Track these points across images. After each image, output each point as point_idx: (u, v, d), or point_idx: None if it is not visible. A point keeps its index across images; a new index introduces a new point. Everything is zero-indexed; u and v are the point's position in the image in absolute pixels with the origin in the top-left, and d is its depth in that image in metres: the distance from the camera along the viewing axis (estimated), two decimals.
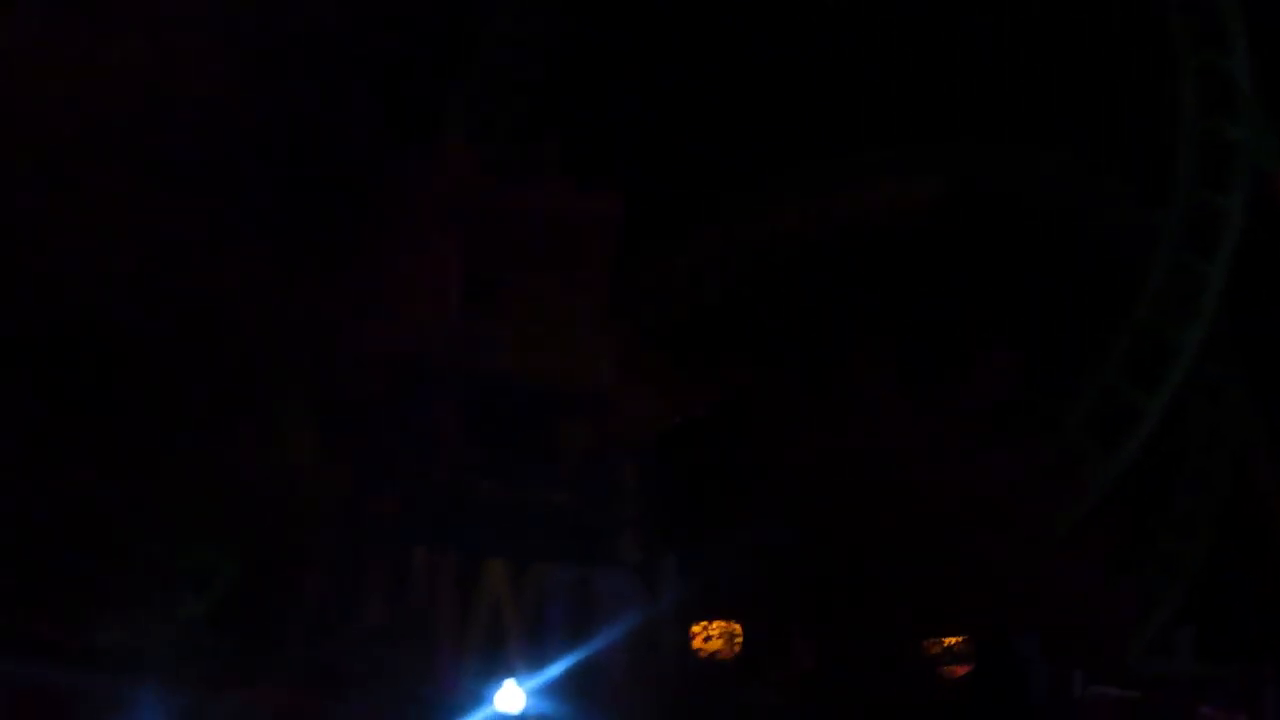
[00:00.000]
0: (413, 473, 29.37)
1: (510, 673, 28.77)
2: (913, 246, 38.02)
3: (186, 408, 26.73)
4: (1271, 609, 37.43)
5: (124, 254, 25.87)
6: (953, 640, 31.23)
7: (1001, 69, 38.11)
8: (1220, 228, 35.52)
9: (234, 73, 27.20)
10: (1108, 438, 34.25)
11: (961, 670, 31.16)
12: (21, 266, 25.36)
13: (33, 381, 25.85)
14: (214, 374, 26.95)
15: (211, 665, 27.78)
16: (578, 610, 29.74)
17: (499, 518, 29.31)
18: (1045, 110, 38.67)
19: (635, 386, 31.48)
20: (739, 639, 30.66)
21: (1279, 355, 37.75)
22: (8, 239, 25.17)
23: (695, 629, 30.52)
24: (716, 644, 30.71)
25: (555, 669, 29.05)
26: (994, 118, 39.06)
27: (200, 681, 27.42)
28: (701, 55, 38.13)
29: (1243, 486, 39.08)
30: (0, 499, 25.79)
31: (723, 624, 30.41)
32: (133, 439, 26.46)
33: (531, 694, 28.70)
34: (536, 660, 29.09)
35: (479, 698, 28.54)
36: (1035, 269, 38.31)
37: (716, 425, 32.52)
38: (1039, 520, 32.28)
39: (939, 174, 38.99)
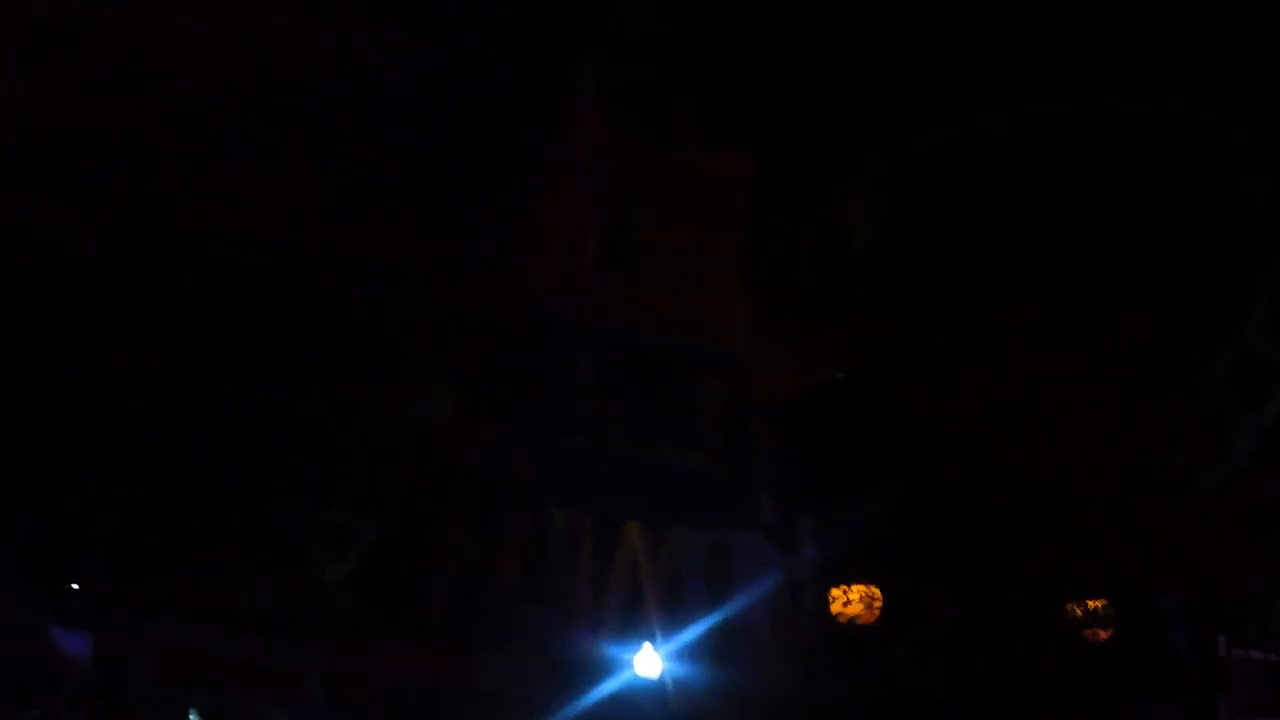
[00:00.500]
0: (550, 434, 29.44)
1: (648, 636, 28.96)
2: (1049, 200, 37.62)
3: (325, 368, 26.92)
4: None
5: (262, 214, 26.10)
6: (1095, 603, 31.00)
7: (1152, 20, 37.60)
8: None
9: (369, 33, 27.35)
10: (1248, 396, 33.77)
11: (1104, 634, 30.96)
12: (161, 226, 25.62)
13: (171, 342, 26.10)
14: (354, 334, 27.13)
15: (351, 627, 28.04)
16: (715, 573, 29.75)
17: (635, 480, 29.30)
18: (1190, 61, 38.15)
19: (771, 346, 31.38)
20: (878, 603, 30.55)
21: None
22: (150, 198, 25.46)
23: (834, 593, 30.42)
24: (856, 608, 30.56)
25: (693, 632, 29.26)
26: (1137, 69, 38.57)
27: (341, 644, 27.69)
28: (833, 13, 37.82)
29: None
30: (138, 462, 26.07)
31: (862, 588, 30.29)
32: (271, 400, 26.64)
33: (669, 657, 28.86)
34: (674, 623, 29.29)
35: (617, 661, 28.68)
36: (1175, 223, 37.86)
37: (853, 384, 32.39)
38: (1182, 480, 31.98)
39: (1079, 126, 38.60)
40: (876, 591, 30.14)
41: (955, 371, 32.14)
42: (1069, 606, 30.62)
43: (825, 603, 30.22)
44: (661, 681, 27.91)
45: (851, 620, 30.37)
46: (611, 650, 28.17)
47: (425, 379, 27.94)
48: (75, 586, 26.60)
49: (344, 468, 27.36)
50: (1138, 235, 38.96)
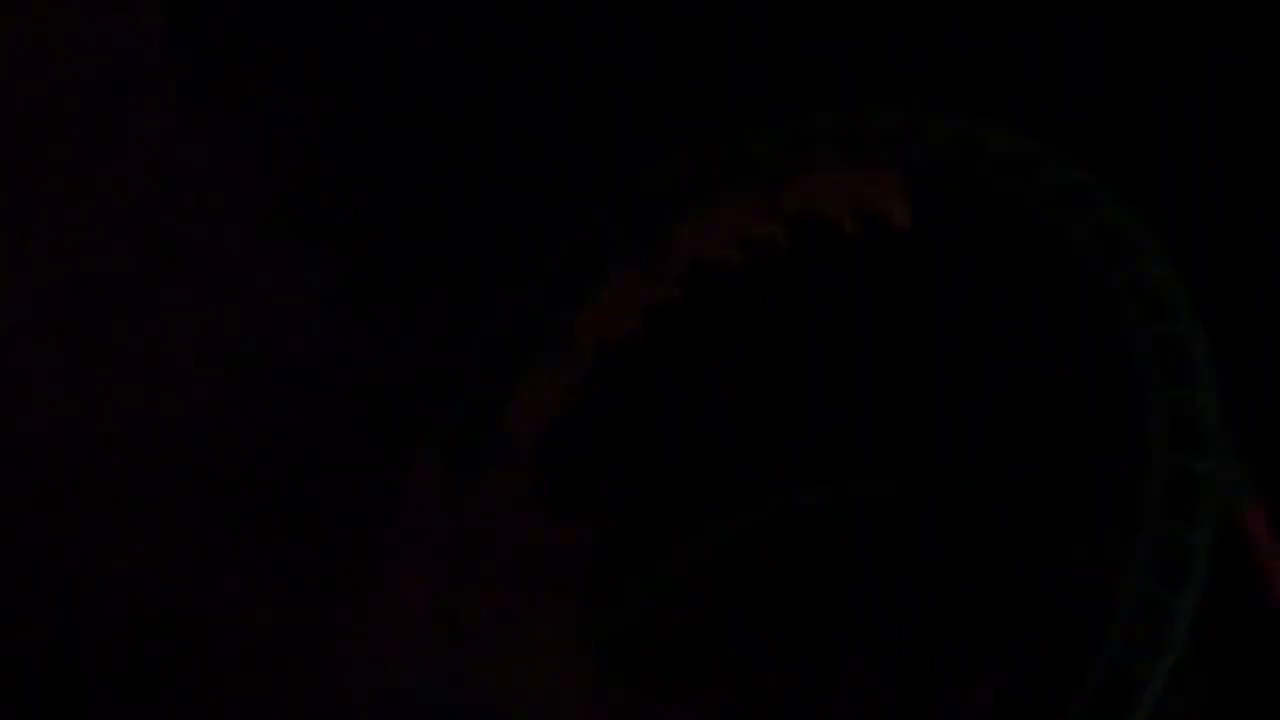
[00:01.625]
0: None
1: None
2: (889, 572, 38.22)
3: None
4: None
5: (97, 579, 26.12)
6: None
7: (991, 399, 38.62)
8: (1187, 561, 35.65)
9: (211, 398, 27.73)
10: None
11: None
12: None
13: None
14: (184, 699, 27.00)
15: None
16: None
17: None
18: (1018, 438, 39.08)
19: None
20: None
21: (1243, 688, 37.82)
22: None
23: None
24: None
25: None
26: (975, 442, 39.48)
27: None
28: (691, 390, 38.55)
29: None
30: None
31: None
32: None
33: None
34: None
35: None
36: (1016, 599, 38.46)
37: None
38: None
39: (916, 500, 39.40)
40: None
41: None
42: None
43: None
44: None
45: None
46: None
47: None
48: None
49: None
50: (979, 609, 39.56)
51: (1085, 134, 35.88)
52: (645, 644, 35.50)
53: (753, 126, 35.02)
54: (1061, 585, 37.46)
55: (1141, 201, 36.68)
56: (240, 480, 27.97)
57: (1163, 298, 37.34)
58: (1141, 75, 37.77)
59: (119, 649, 26.28)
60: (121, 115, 28.97)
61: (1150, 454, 35.74)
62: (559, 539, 32.01)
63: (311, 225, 30.11)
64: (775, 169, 33.71)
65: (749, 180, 33.84)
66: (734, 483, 37.80)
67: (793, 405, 39.21)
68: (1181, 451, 36.02)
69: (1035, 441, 39.03)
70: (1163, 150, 36.51)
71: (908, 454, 39.82)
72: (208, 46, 30.71)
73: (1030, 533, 39.41)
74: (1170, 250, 36.65)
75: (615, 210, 34.91)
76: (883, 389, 39.58)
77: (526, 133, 34.88)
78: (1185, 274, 36.90)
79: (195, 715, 26.91)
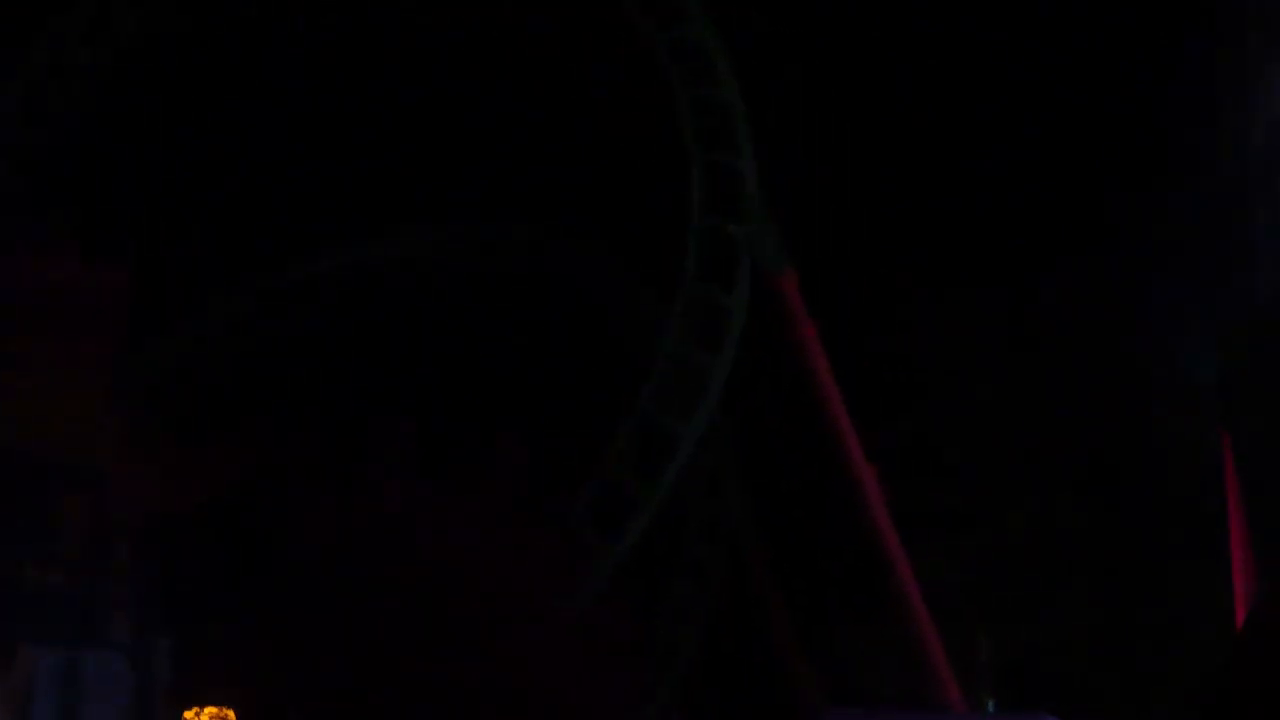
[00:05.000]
0: None
1: None
2: (433, 328, 38.36)
3: None
4: (763, 699, 38.54)
5: None
6: None
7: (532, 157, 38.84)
8: (722, 322, 36.37)
9: None
10: (609, 526, 34.67)
11: None
12: None
13: None
14: None
15: None
16: (66, 691, 29.00)
17: None
18: (562, 202, 39.41)
19: (139, 465, 30.90)
20: None
21: (772, 448, 38.98)
22: None
23: (187, 714, 29.97)
24: None
25: None
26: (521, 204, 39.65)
27: None
28: (216, 128, 37.69)
29: (737, 577, 40.04)
30: None
31: (214, 709, 29.92)
32: None
33: None
34: None
35: None
36: (551, 358, 38.90)
37: (220, 507, 32.15)
38: (544, 608, 32.57)
39: (448, 255, 39.58)
40: (230, 714, 29.86)
41: (328, 497, 32.21)
42: None
43: None
44: None
45: None
46: None
47: None
48: None
49: None
50: (516, 367, 39.98)
51: None
52: (184, 391, 35.06)
53: None
54: (600, 344, 38.12)
55: None
56: None
57: (705, 63, 37.84)
58: None
59: None
60: None
61: (690, 218, 36.46)
62: (97, 282, 31.24)
63: None
64: None
65: None
66: (279, 234, 37.45)
67: (350, 160, 38.93)
68: (720, 215, 36.79)
69: (581, 204, 39.49)
70: None
71: (457, 212, 39.96)
72: None
73: (571, 293, 39.96)
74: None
75: None
76: (438, 148, 39.54)
77: None
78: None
79: None
